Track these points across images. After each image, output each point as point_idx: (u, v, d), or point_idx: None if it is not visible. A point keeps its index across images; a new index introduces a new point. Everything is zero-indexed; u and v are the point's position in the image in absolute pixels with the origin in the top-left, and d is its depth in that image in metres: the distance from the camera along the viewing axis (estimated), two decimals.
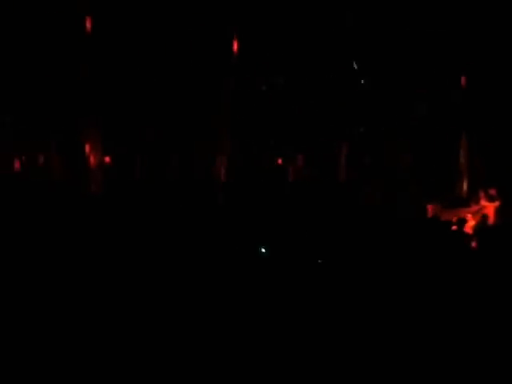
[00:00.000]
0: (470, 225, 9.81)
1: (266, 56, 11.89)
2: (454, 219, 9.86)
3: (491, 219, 10.08)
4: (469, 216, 9.96)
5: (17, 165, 12.01)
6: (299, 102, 12.42)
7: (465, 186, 11.36)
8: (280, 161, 12.70)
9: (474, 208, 10.23)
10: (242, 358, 5.41)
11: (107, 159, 11.77)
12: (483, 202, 10.25)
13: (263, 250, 8.45)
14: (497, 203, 10.17)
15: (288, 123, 12.62)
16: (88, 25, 10.97)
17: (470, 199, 10.67)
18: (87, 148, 11.11)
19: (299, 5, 11.35)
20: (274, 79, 12.42)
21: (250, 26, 11.32)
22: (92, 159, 11.12)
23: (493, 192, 10.23)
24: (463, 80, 11.45)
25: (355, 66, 11.96)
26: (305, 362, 5.46)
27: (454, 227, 9.66)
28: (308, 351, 5.62)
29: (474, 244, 9.03)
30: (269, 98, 12.31)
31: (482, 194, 10.36)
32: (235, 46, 11.34)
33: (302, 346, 5.69)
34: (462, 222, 9.81)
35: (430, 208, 10.45)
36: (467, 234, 9.51)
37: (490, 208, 10.14)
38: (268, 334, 5.82)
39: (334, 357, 5.58)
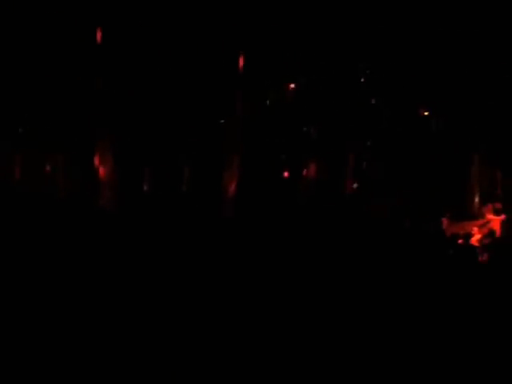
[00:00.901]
0: (476, 238, 9.84)
1: (276, 70, 11.96)
2: (461, 233, 9.91)
3: (497, 232, 10.09)
4: (475, 229, 9.99)
5: (23, 176, 12.04)
6: (308, 115, 12.47)
7: (476, 200, 11.36)
8: (288, 173, 12.74)
9: (480, 221, 10.26)
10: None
11: (117, 172, 11.73)
12: (489, 216, 10.28)
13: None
14: (502, 217, 10.19)
15: (297, 136, 12.67)
16: (99, 38, 11.05)
17: (477, 213, 10.69)
18: (96, 160, 11.10)
19: (310, 16, 11.41)
20: (283, 93, 12.49)
21: (258, 40, 11.38)
22: (101, 172, 11.09)
23: (498, 206, 10.25)
24: (473, 97, 11.46)
25: (363, 80, 12.02)
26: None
27: (460, 240, 9.70)
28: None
29: (479, 257, 9.06)
30: (278, 111, 12.37)
31: (488, 208, 10.38)
32: (242, 60, 11.39)
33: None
34: (468, 235, 9.85)
35: (447, 221, 10.51)
36: (473, 247, 9.54)
37: (495, 221, 10.16)
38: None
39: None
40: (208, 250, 8.52)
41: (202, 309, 6.54)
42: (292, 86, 12.34)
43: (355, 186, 12.44)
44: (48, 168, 12.38)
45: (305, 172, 12.60)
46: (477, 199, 11.17)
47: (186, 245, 8.66)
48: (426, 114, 12.12)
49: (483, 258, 9.17)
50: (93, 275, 7.11)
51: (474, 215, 10.69)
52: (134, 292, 7.09)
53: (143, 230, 9.18)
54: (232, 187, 11.34)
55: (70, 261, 7.48)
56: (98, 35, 10.92)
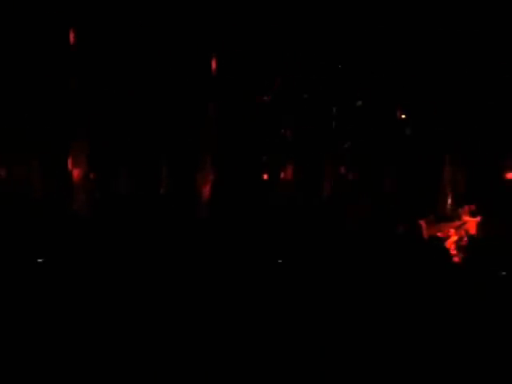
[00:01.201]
0: (453, 240, 9.87)
1: (252, 70, 11.93)
2: (437, 235, 9.93)
3: (473, 234, 10.11)
4: (451, 231, 10.01)
5: None
6: (285, 116, 12.44)
7: (449, 202, 11.35)
8: (265, 174, 12.69)
9: (457, 223, 10.27)
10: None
11: (91, 174, 11.65)
12: (465, 218, 10.30)
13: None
14: (478, 218, 10.21)
15: (274, 137, 12.62)
16: (73, 38, 10.97)
17: (453, 214, 10.70)
18: (70, 162, 11.02)
19: (285, 17, 11.39)
20: (259, 94, 12.45)
21: (232, 40, 11.38)
22: (75, 174, 11.02)
23: (473, 207, 10.27)
24: (445, 97, 11.50)
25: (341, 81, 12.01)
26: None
27: (437, 242, 9.72)
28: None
29: (455, 259, 9.10)
30: (254, 112, 12.33)
31: (464, 210, 10.40)
32: (215, 59, 11.37)
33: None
34: (445, 237, 9.87)
35: (423, 224, 10.51)
36: (449, 249, 9.57)
37: (471, 223, 10.19)
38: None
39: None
40: (178, 251, 8.48)
41: (181, 312, 6.49)
42: (267, 89, 12.30)
43: (332, 187, 12.40)
44: (24, 168, 12.21)
45: (282, 174, 12.56)
46: (449, 200, 11.17)
47: (156, 248, 8.60)
48: (403, 116, 12.13)
49: (460, 259, 9.21)
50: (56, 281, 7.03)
51: (447, 217, 10.69)
52: (109, 297, 7.00)
53: (115, 237, 9.12)
54: (206, 188, 11.34)
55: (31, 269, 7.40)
56: (72, 35, 10.86)
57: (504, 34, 10.96)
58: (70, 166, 11.01)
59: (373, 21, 11.28)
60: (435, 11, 11.05)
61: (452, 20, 11.07)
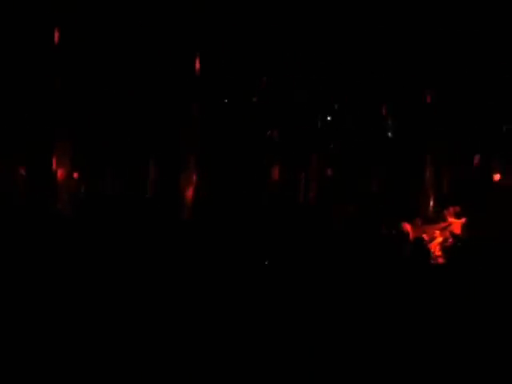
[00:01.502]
0: (438, 241, 9.90)
1: (237, 70, 11.91)
2: (423, 236, 9.95)
3: (458, 236, 10.14)
4: (437, 233, 10.04)
5: None
6: (271, 116, 12.43)
7: (433, 203, 11.37)
8: (251, 175, 12.68)
9: (442, 225, 10.30)
10: None
11: (75, 174, 11.60)
12: (450, 219, 10.33)
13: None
14: (463, 220, 10.25)
15: (260, 138, 12.60)
16: (57, 37, 10.93)
17: (438, 216, 10.73)
18: (54, 162, 10.98)
19: (270, 15, 11.39)
20: (245, 94, 12.44)
21: (216, 39, 11.37)
22: (59, 174, 10.98)
23: (457, 209, 10.31)
24: (428, 96, 11.52)
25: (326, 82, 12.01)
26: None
27: (423, 244, 9.75)
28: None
29: (440, 260, 9.15)
30: (239, 112, 12.31)
31: (449, 211, 10.43)
32: (198, 63, 11.35)
33: None
34: (430, 238, 9.89)
35: (408, 226, 10.53)
36: (434, 251, 9.60)
37: (456, 224, 10.21)
38: None
39: None
40: (163, 253, 8.47)
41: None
42: (252, 87, 12.28)
43: (318, 187, 12.41)
44: (7, 168, 12.14)
45: (268, 174, 12.55)
46: (432, 202, 11.20)
47: (141, 249, 8.57)
48: (389, 118, 12.16)
49: (445, 260, 9.25)
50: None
51: (433, 218, 10.72)
52: (92, 298, 6.98)
53: (100, 237, 9.09)
54: (189, 188, 11.33)
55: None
56: (56, 35, 10.82)
57: (491, 34, 11.00)
58: (54, 165, 10.98)
59: (357, 20, 11.29)
60: (415, 12, 11.10)
61: (442, 22, 11.10)
